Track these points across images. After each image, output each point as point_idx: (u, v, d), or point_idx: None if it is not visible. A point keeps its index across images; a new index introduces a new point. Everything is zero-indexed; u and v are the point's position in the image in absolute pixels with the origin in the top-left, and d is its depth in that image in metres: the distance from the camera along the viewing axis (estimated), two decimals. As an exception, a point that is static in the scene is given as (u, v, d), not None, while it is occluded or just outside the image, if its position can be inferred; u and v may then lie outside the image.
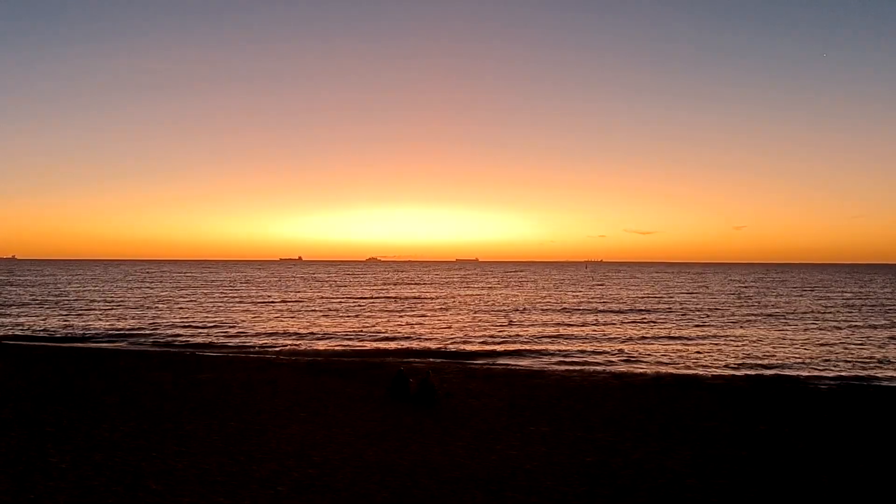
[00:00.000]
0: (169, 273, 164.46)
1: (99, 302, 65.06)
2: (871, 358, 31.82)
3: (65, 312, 53.47)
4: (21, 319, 47.72)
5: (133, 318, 49.58)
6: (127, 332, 40.53)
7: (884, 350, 34.45)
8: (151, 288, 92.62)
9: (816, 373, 27.76)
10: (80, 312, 53.62)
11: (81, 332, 40.68)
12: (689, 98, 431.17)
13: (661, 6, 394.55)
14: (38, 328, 42.36)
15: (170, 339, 37.96)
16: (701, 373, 27.31)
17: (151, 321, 47.22)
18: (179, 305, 62.02)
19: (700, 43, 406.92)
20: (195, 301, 68.09)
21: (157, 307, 59.47)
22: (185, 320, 48.13)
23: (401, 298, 75.13)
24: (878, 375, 27.28)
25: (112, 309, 57.07)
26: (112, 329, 42.34)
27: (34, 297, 72.05)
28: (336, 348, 34.66)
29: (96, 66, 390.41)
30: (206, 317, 51.11)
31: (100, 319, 48.27)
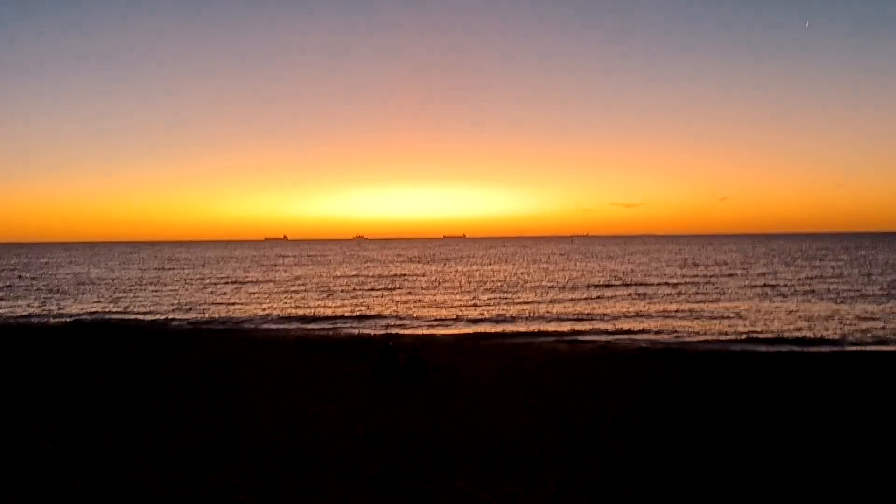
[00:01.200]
0: (151, 254, 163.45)
1: (81, 284, 64.59)
2: (863, 326, 32.23)
3: (46, 295, 53.07)
4: (1, 303, 47.34)
5: (118, 299, 49.31)
6: (112, 314, 40.32)
7: (878, 319, 34.90)
8: (134, 270, 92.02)
9: (807, 341, 28.05)
10: (61, 295, 53.23)
11: (64, 314, 40.42)
12: (671, 69, 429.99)
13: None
14: (21, 311, 42.03)
15: (156, 318, 37.81)
16: (687, 343, 27.56)
17: (137, 302, 46.99)
18: (164, 286, 61.71)
19: (681, 13, 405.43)
20: (179, 281, 67.76)
21: (141, 288, 59.14)
22: (170, 300, 47.93)
23: (388, 276, 75.12)
24: (869, 342, 27.65)
25: (96, 291, 56.71)
26: (96, 310, 42.10)
27: (12, 281, 71.46)
28: (324, 325, 34.67)
29: (77, 44, 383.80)
30: (192, 297, 50.91)
31: (83, 301, 47.98)
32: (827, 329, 30.93)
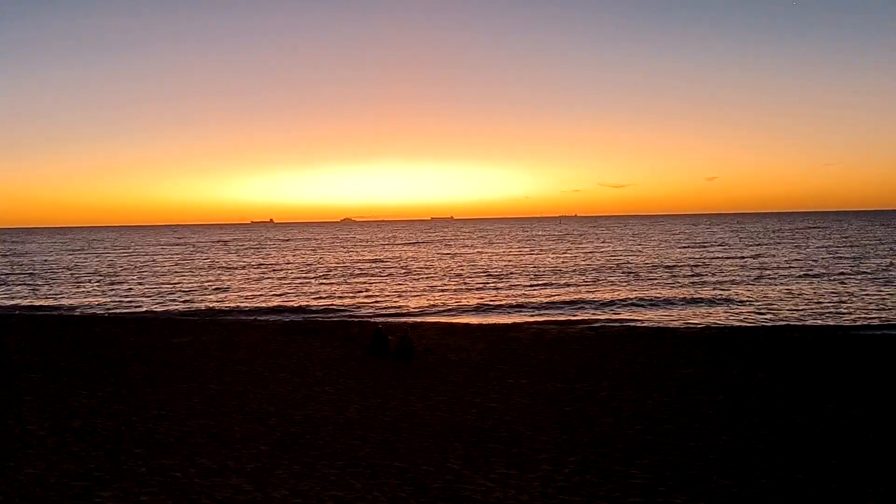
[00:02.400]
0: (136, 239, 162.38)
1: (67, 271, 64.13)
2: (851, 305, 32.54)
3: (34, 283, 52.67)
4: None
5: (105, 285, 49.00)
6: (100, 300, 40.09)
7: (868, 298, 35.22)
8: (121, 254, 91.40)
9: (795, 321, 28.31)
10: (49, 283, 52.83)
11: (54, 301, 40.17)
12: (660, 51, 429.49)
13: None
14: (7, 299, 41.72)
15: (144, 304, 37.63)
16: (677, 323, 27.74)
17: (124, 288, 46.72)
18: (150, 271, 61.36)
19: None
20: (167, 266, 67.39)
21: (127, 273, 58.78)
22: (158, 286, 47.70)
23: (377, 260, 75.04)
24: (859, 323, 27.93)
25: (82, 277, 56.33)
26: (85, 297, 41.85)
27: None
28: (313, 309, 34.61)
29: (55, 25, 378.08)
30: (180, 282, 50.67)
31: (70, 288, 47.66)
32: (816, 308, 31.21)
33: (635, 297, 36.04)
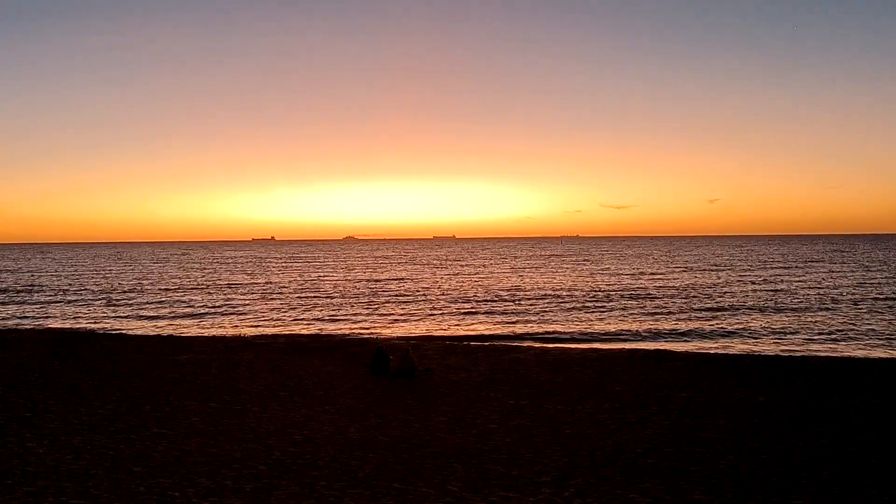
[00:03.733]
0: (136, 256, 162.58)
1: (68, 287, 64.16)
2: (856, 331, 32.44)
3: (34, 299, 52.71)
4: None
5: (105, 302, 49.00)
6: (100, 316, 40.07)
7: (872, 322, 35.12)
8: (121, 271, 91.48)
9: (798, 346, 28.23)
10: (49, 299, 52.87)
11: (53, 317, 40.15)
12: (664, 72, 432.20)
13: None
14: (7, 315, 41.72)
15: (145, 321, 37.61)
16: (679, 347, 27.66)
17: (125, 305, 46.71)
18: (151, 288, 61.36)
19: (674, 16, 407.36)
20: (168, 284, 67.40)
21: (128, 290, 58.79)
22: (158, 303, 47.68)
23: (379, 279, 75.04)
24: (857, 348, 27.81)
25: (82, 294, 56.36)
26: (85, 313, 41.85)
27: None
28: (314, 328, 34.56)
29: (60, 42, 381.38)
30: (180, 299, 50.66)
31: (70, 305, 47.66)
32: (819, 333, 31.12)
33: (637, 320, 35.97)
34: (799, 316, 36.42)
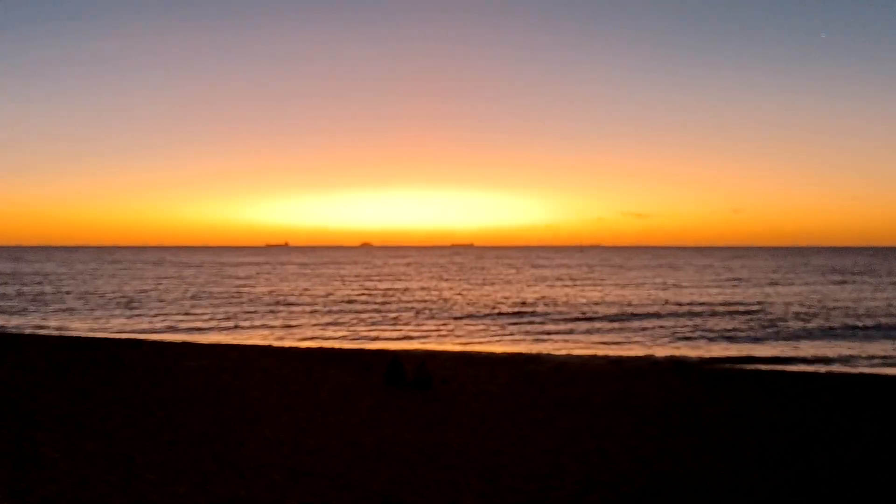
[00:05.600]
0: (149, 260, 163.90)
1: (83, 291, 64.74)
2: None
3: (49, 303, 53.20)
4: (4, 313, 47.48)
5: (120, 306, 49.34)
6: (116, 321, 40.34)
7: None
8: (135, 275, 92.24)
9: (822, 361, 27.68)
10: (65, 303, 53.35)
11: (69, 322, 40.47)
12: (686, 79, 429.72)
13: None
14: (23, 319, 42.11)
15: (159, 327, 37.78)
16: (700, 357, 27.27)
17: (140, 310, 47.00)
18: (166, 293, 61.75)
19: (697, 23, 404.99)
20: (181, 289, 67.82)
21: (143, 295, 59.20)
22: (174, 308, 47.93)
23: (396, 288, 75.05)
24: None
25: (98, 298, 56.81)
26: (100, 318, 42.14)
27: (5, 289, 71.70)
28: (329, 336, 34.53)
29: (73, 46, 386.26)
30: (196, 305, 50.91)
31: (86, 309, 48.04)
32: (845, 348, 30.56)
33: (660, 332, 35.57)
34: (833, 331, 35.75)
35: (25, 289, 67.87)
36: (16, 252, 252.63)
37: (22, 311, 45.88)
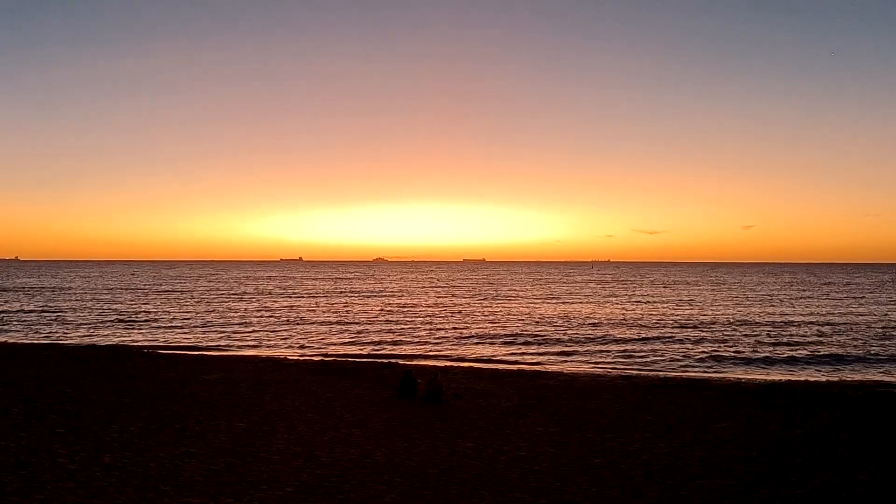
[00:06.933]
0: (168, 274, 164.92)
1: (99, 304, 65.27)
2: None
3: (66, 316, 53.69)
4: (23, 327, 47.99)
5: (136, 320, 49.73)
6: (132, 334, 40.66)
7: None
8: (151, 289, 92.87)
9: (835, 377, 27.57)
10: (81, 317, 53.82)
11: (85, 335, 40.83)
12: (697, 96, 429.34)
13: (669, 4, 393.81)
14: (41, 333, 42.55)
15: (176, 340, 38.04)
16: (710, 375, 27.18)
17: (155, 323, 47.36)
18: (181, 307, 62.17)
19: (709, 40, 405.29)
20: (198, 302, 68.24)
21: (158, 309, 59.63)
22: (189, 322, 48.25)
23: (409, 302, 75.13)
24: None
25: (113, 311, 57.28)
26: (118, 331, 42.50)
27: (30, 303, 72.36)
28: (343, 350, 34.65)
29: (92, 66, 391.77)
30: (211, 319, 51.22)
31: (102, 322, 48.45)
32: (856, 364, 30.35)
33: (670, 349, 35.45)
34: (843, 347, 35.54)
35: (49, 301, 68.55)
36: (42, 267, 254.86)
37: (45, 324, 46.38)
